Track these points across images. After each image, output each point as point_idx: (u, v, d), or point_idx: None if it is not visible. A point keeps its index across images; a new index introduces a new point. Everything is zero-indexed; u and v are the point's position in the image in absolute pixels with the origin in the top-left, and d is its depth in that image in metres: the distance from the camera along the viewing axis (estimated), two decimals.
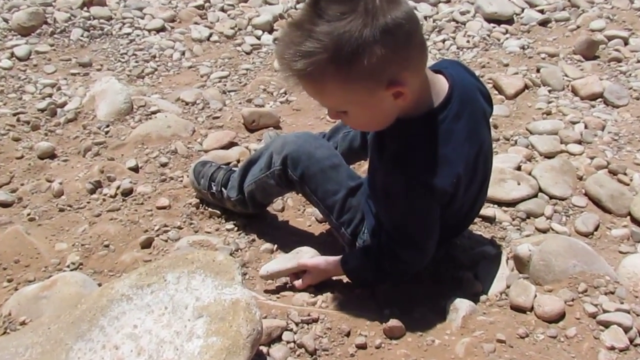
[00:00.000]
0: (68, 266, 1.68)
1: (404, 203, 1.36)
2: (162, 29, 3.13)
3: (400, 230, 1.42)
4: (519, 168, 2.05)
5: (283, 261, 1.61)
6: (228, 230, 1.82)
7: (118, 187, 1.96)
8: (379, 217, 1.50)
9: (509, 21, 3.23)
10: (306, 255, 1.61)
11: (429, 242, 1.43)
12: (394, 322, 1.40)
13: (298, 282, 1.58)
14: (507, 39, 3.09)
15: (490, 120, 2.26)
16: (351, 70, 1.18)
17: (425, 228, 1.41)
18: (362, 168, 2.00)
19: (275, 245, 1.76)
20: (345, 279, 1.60)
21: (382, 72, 1.20)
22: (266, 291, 1.60)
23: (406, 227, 1.41)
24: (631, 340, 1.39)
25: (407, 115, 1.32)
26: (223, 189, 1.81)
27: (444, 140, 1.31)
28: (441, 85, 1.36)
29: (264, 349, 1.34)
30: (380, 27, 1.15)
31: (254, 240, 1.78)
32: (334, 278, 1.60)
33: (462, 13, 3.27)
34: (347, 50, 1.16)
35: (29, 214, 1.86)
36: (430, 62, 1.47)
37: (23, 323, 1.44)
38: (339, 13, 1.16)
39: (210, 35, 3.13)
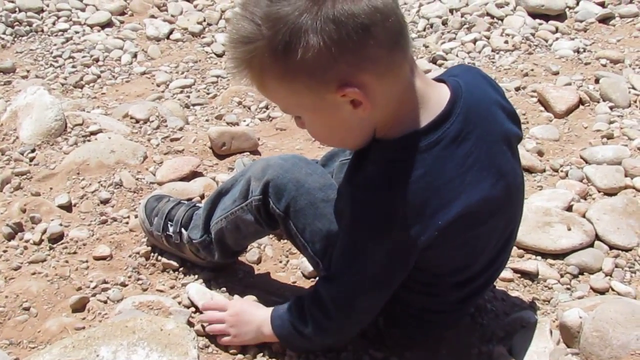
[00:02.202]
0: None
1: (348, 239, 1.44)
2: (108, 24, 3.19)
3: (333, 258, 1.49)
4: (569, 208, 2.07)
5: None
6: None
7: (44, 231, 1.96)
8: None
9: (560, 16, 3.28)
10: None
11: (357, 297, 1.46)
12: None
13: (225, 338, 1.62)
14: (557, 39, 3.13)
15: (534, 144, 2.34)
16: (288, 63, 1.27)
17: (359, 280, 1.44)
18: None
19: None
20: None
21: (325, 70, 1.26)
22: None
23: (339, 261, 1.47)
24: None
25: (385, 136, 1.37)
26: (183, 230, 1.82)
27: (433, 171, 1.34)
28: (439, 98, 1.38)
29: None
30: (324, 15, 1.23)
31: None
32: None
33: (499, 5, 3.33)
34: (280, 38, 1.24)
35: None
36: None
37: None
38: None
39: (171, 32, 3.18)
